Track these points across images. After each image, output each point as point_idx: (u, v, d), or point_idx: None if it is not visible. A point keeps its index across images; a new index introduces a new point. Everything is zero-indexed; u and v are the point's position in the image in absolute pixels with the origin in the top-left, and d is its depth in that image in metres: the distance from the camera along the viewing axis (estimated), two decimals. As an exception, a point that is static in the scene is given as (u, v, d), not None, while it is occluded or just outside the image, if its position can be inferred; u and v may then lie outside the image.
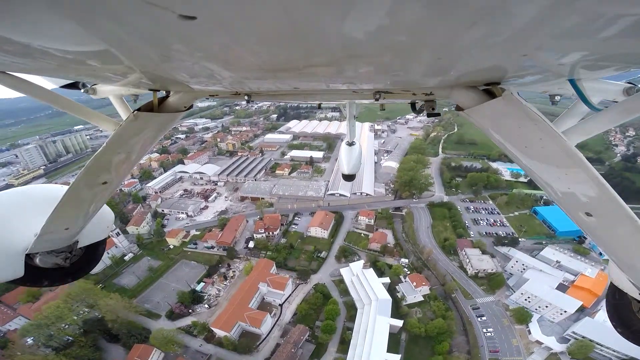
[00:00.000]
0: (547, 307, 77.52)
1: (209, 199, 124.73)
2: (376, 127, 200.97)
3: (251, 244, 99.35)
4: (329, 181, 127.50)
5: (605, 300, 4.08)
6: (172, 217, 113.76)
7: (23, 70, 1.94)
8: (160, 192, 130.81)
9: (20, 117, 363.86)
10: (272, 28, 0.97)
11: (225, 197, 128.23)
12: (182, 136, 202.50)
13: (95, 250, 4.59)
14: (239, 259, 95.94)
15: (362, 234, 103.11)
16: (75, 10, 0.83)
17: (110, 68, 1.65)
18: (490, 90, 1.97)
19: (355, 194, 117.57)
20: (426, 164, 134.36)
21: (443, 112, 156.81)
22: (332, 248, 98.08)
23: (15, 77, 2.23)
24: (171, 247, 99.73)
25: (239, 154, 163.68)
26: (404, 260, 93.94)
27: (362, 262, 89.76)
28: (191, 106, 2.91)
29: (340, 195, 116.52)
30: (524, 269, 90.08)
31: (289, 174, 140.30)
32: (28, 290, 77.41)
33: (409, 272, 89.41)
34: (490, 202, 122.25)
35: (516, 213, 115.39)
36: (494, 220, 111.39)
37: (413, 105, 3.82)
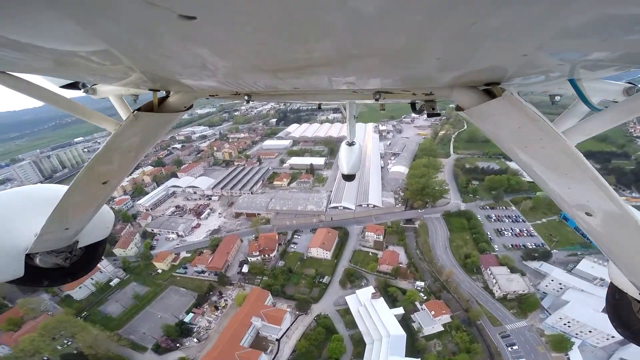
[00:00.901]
0: (590, 332, 66.97)
1: (202, 216, 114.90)
2: (381, 127, 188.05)
3: (245, 268, 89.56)
4: (331, 191, 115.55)
5: (605, 300, 4.10)
6: (162, 237, 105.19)
7: (23, 70, 1.93)
8: (151, 209, 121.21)
9: (25, 130, 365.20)
10: (272, 28, 0.97)
11: (219, 213, 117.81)
12: (179, 146, 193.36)
13: (96, 250, 4.55)
14: (232, 286, 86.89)
15: (370, 253, 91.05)
16: (75, 10, 0.83)
17: (110, 68, 1.65)
18: (490, 90, 1.98)
19: (360, 205, 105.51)
20: (439, 168, 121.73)
21: (449, 109, 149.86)
22: (335, 271, 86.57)
23: (16, 77, 2.22)
24: (159, 271, 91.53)
25: (236, 163, 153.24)
26: (420, 284, 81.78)
27: (370, 288, 77.97)
28: (191, 106, 2.88)
29: (344, 208, 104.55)
30: (560, 288, 77.96)
31: (288, 184, 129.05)
32: (9, 319, 74.35)
33: (425, 298, 78.03)
34: (513, 208, 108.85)
35: (544, 220, 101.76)
36: (519, 230, 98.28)
37: (413, 105, 3.90)
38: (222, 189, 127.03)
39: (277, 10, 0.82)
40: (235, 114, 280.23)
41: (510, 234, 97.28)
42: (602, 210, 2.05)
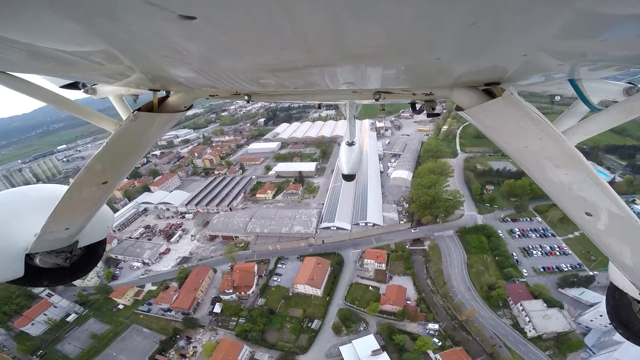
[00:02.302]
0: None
1: (172, 239, 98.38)
2: (378, 124, 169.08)
3: (218, 308, 74.30)
4: (323, 205, 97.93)
5: (605, 300, 4.08)
6: (127, 265, 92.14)
7: (23, 70, 1.94)
8: (118, 230, 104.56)
9: (12, 137, 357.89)
10: (272, 28, 0.98)
11: (192, 235, 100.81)
12: (158, 153, 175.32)
13: (95, 250, 4.53)
14: (202, 328, 72.26)
15: (370, 287, 73.73)
16: (75, 10, 0.83)
17: (110, 68, 1.67)
18: (490, 90, 2.00)
19: (358, 224, 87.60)
20: (448, 173, 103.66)
21: (450, 101, 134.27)
22: (328, 312, 69.85)
23: (15, 77, 2.23)
24: (120, 307, 79.69)
25: (216, 172, 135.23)
26: (433, 327, 65.09)
27: (371, 338, 61.41)
28: (191, 106, 2.91)
29: (338, 229, 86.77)
30: (609, 322, 60.20)
31: (274, 196, 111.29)
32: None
33: (440, 344, 62.06)
34: (539, 218, 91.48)
35: (576, 233, 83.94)
36: (550, 248, 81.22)
37: (413, 105, 3.94)
38: (197, 205, 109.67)
39: (277, 10, 0.82)
40: (223, 114, 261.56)
41: (539, 253, 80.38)
42: (602, 210, 2.03)
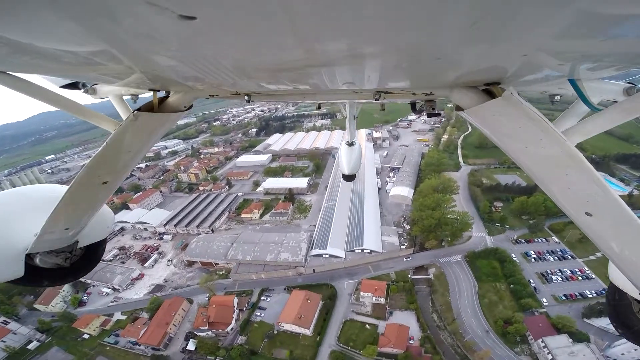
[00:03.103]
0: None
1: (147, 264, 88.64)
2: (375, 134, 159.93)
3: (191, 345, 65.09)
4: (315, 227, 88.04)
5: (605, 300, 4.02)
6: (96, 291, 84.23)
7: (23, 70, 1.94)
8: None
9: (4, 146, 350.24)
10: (271, 28, 0.98)
11: (169, 260, 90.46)
12: (143, 165, 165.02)
13: (96, 250, 4.53)
14: None
15: (367, 325, 63.43)
16: (75, 10, 0.83)
17: (110, 68, 1.67)
18: (490, 90, 1.99)
19: (353, 251, 77.40)
20: (454, 189, 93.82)
21: (448, 109, 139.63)
22: (318, 354, 59.78)
23: (16, 77, 2.23)
24: (86, 336, 72.10)
25: (201, 188, 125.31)
26: (442, 375, 54.63)
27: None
28: (191, 106, 2.90)
29: (331, 256, 76.42)
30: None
31: (261, 216, 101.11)
32: None
33: None
34: (555, 238, 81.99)
35: (598, 254, 74.20)
36: (571, 272, 71.74)
37: (413, 105, 3.96)
38: (176, 225, 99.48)
39: (277, 10, 0.82)
40: (215, 123, 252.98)
41: (560, 278, 70.86)
42: (602, 210, 2.04)
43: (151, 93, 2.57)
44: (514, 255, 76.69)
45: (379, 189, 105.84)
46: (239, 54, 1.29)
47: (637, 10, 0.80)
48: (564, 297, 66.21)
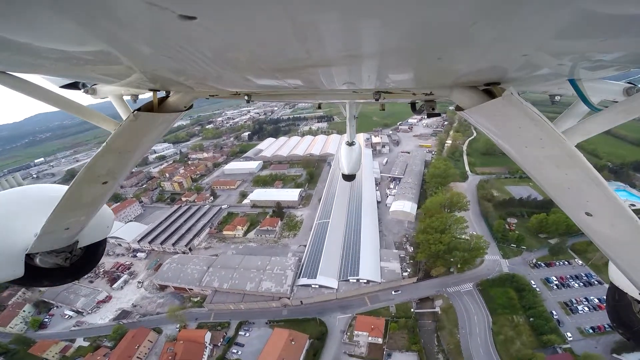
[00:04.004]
0: None
1: (115, 285, 78.94)
2: (373, 139, 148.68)
3: None
4: (305, 249, 77.31)
5: (605, 300, 4.02)
6: (59, 313, 75.81)
7: (23, 70, 1.95)
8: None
9: None
10: (272, 28, 0.98)
11: (139, 281, 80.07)
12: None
13: (96, 250, 4.54)
14: None
15: (363, 373, 52.96)
16: (75, 10, 0.83)
17: (110, 68, 1.68)
18: (490, 90, 2.00)
19: (347, 280, 66.30)
20: (465, 206, 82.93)
21: (450, 112, 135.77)
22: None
23: (16, 77, 2.25)
24: None
25: (184, 199, 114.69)
26: None
27: None
28: (191, 106, 2.93)
29: (321, 287, 65.39)
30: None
31: (245, 233, 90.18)
32: None
33: None
34: (578, 260, 71.44)
35: (630, 282, 64.26)
36: (599, 300, 61.52)
37: (413, 105, 3.97)
38: (151, 242, 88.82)
39: (277, 10, 0.82)
40: (208, 126, 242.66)
41: (586, 308, 60.74)
42: (602, 210, 2.02)
43: (151, 93, 2.54)
44: (533, 282, 66.19)
45: (378, 202, 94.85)
46: (239, 54, 1.28)
47: (637, 10, 0.79)
48: (590, 330, 56.77)
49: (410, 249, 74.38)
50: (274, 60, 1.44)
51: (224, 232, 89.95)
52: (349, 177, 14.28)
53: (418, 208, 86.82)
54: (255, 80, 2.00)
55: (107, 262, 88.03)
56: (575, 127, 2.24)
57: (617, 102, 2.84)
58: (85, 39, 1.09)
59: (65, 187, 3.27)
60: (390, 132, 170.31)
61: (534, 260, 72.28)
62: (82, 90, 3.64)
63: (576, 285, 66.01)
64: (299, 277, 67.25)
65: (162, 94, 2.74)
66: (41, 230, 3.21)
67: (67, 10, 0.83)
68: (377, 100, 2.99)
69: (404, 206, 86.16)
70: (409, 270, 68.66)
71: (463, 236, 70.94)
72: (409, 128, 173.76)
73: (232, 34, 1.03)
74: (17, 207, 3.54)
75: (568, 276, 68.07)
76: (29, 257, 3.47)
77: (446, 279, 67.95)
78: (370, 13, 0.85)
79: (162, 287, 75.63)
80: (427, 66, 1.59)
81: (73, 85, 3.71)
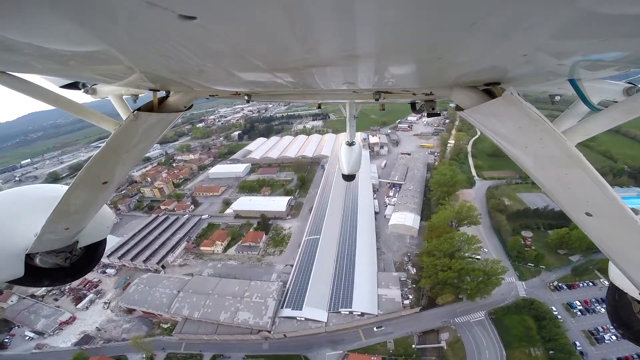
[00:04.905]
0: None
1: (80, 304, 70.25)
2: (371, 139, 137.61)
3: None
4: (292, 269, 67.51)
5: (605, 301, 4.02)
6: (20, 333, 68.25)
7: (23, 70, 1.96)
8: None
9: None
10: (272, 28, 0.98)
11: (106, 302, 70.84)
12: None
13: (96, 250, 4.58)
14: None
15: None
16: (75, 10, 0.83)
17: (110, 68, 1.69)
18: (490, 90, 2.00)
19: (339, 312, 56.25)
20: (476, 220, 71.90)
21: (450, 109, 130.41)
22: None
23: (15, 77, 2.25)
24: None
25: (162, 207, 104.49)
26: None
27: None
28: (191, 106, 2.92)
29: (307, 320, 55.43)
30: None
31: (225, 249, 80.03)
32: None
33: None
34: (603, 280, 62.02)
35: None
36: (629, 330, 51.78)
37: (413, 105, 4.01)
38: (121, 257, 79.13)
39: (277, 10, 0.82)
40: (199, 125, 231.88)
41: (613, 336, 52.35)
42: (602, 211, 2.02)
43: (151, 93, 2.55)
44: (554, 309, 56.98)
45: (376, 212, 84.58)
46: (239, 54, 1.27)
47: (637, 10, 0.80)
48: (619, 362, 48.37)
49: (413, 271, 64.52)
50: (274, 60, 1.43)
51: (202, 248, 79.82)
52: (349, 177, 14.32)
53: (421, 220, 77.16)
54: (255, 80, 2.02)
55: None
56: (575, 127, 2.26)
57: (617, 102, 2.84)
58: (85, 39, 1.09)
59: (65, 187, 3.26)
60: (389, 130, 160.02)
61: (554, 283, 62.79)
62: (82, 90, 3.69)
63: (602, 309, 56.35)
64: (282, 307, 57.37)
65: (162, 93, 2.69)
66: (41, 230, 3.18)
67: (67, 10, 0.82)
68: (377, 100, 3.00)
69: (406, 219, 75.84)
70: (410, 297, 58.82)
71: (475, 256, 61.16)
72: (408, 127, 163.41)
73: (232, 34, 1.02)
74: (17, 207, 3.51)
75: (593, 299, 58.91)
76: (29, 257, 3.47)
77: (454, 307, 58.39)
78: (370, 13, 0.85)
79: (130, 311, 66.30)
80: (427, 66, 1.59)
81: (73, 85, 3.73)
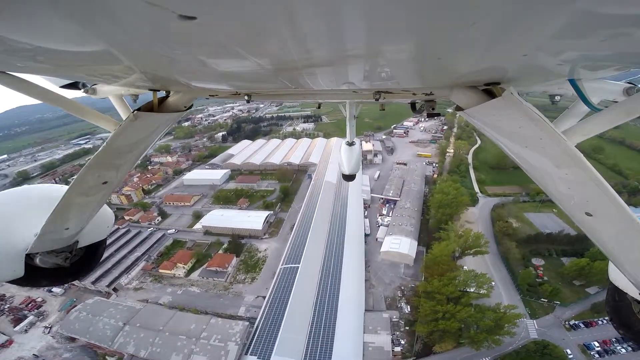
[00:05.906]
0: None
1: (19, 326, 60.84)
2: (364, 146, 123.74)
3: None
4: (264, 300, 56.28)
5: (605, 301, 4.09)
6: None
7: (23, 70, 1.95)
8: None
9: None
10: (272, 28, 0.98)
11: (47, 325, 60.15)
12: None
13: (96, 250, 4.54)
14: None
15: None
16: (75, 10, 0.83)
17: (110, 68, 1.69)
18: (490, 90, 2.01)
19: (315, 362, 45.45)
20: (483, 250, 61.54)
21: (448, 114, 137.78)
22: None
23: (15, 77, 2.26)
24: None
25: (126, 217, 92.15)
26: None
27: None
28: (191, 106, 2.92)
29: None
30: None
31: (188, 273, 68.29)
32: None
33: None
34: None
35: None
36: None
37: (413, 105, 4.01)
38: (67, 280, 67.27)
39: (277, 11, 0.83)
40: (185, 124, 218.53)
41: None
42: (602, 211, 2.03)
43: (151, 93, 2.54)
44: (569, 352, 48.22)
45: (367, 235, 73.58)
46: (239, 54, 1.27)
47: (637, 10, 0.79)
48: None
49: (407, 309, 53.92)
50: (274, 60, 1.43)
51: (161, 271, 67.94)
52: (349, 177, 14.35)
53: (419, 244, 66.95)
54: (255, 80, 2.01)
55: (18, 295, 68.39)
56: (575, 127, 2.25)
57: (617, 102, 2.85)
58: (85, 39, 1.09)
59: (65, 187, 3.24)
60: (384, 136, 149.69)
61: (570, 321, 53.65)
62: (82, 90, 3.67)
63: (623, 350, 49.54)
64: (245, 354, 46.44)
65: (162, 93, 2.69)
66: (41, 230, 3.18)
67: (68, 10, 0.82)
68: (377, 100, 3.00)
69: (400, 245, 64.86)
70: (402, 343, 48.37)
71: (483, 297, 50.93)
72: (404, 132, 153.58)
73: (232, 34, 1.02)
74: (17, 207, 3.51)
75: (613, 339, 50.94)
76: (29, 257, 3.47)
77: (453, 355, 48.11)
78: (370, 13, 0.85)
79: (71, 339, 55.56)
80: (427, 66, 1.59)
81: (73, 85, 3.71)
